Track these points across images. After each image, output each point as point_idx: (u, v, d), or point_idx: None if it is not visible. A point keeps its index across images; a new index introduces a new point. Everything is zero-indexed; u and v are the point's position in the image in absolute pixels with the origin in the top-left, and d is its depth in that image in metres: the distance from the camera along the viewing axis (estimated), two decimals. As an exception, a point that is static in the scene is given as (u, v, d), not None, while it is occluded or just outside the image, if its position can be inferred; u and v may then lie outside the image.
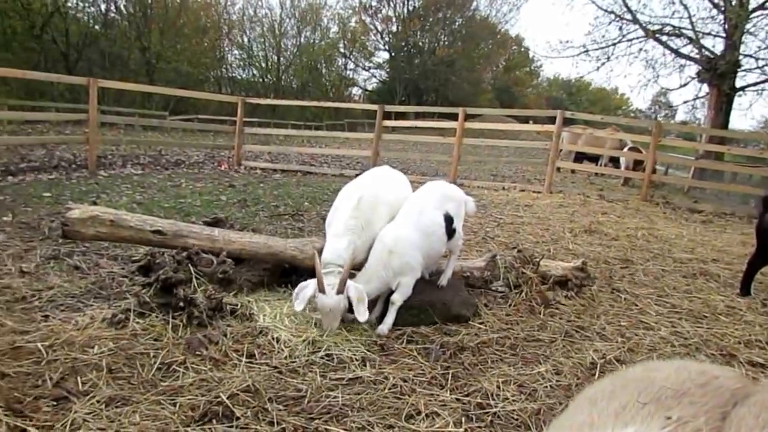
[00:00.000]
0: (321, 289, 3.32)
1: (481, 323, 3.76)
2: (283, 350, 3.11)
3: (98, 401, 2.42)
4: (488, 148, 24.07)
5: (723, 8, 17.58)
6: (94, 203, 6.40)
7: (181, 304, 3.28)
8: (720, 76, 17.26)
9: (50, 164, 9.94)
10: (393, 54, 51.08)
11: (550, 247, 6.11)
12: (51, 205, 6.39)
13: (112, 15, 34.31)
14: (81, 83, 10.64)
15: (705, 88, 18.93)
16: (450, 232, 3.86)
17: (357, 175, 5.74)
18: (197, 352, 2.96)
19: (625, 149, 14.84)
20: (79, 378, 2.58)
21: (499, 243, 6.21)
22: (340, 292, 3.32)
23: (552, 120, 11.74)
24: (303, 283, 3.47)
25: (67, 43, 29.56)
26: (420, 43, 50.73)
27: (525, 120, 28.94)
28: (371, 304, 3.60)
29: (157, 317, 3.27)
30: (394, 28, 50.17)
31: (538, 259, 4.54)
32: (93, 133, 9.97)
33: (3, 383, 2.45)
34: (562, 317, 3.98)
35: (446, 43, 50.89)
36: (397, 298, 3.56)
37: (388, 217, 3.83)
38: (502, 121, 22.00)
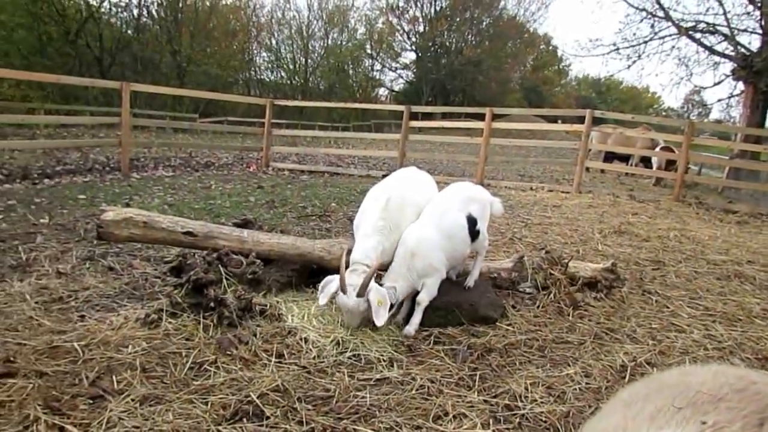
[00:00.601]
0: (342, 289, 3.34)
1: (508, 325, 3.74)
2: (311, 350, 3.14)
3: (133, 400, 2.48)
4: (516, 148, 23.91)
5: (759, 4, 17.14)
6: (128, 205, 6.55)
7: (212, 304, 3.34)
8: (756, 73, 16.82)
9: (85, 167, 10.19)
10: (420, 54, 51.04)
11: (579, 248, 6.04)
12: (86, 207, 6.55)
13: (144, 20, 35.10)
14: (114, 87, 10.88)
15: (740, 85, 18.50)
16: (474, 233, 3.85)
17: (384, 176, 5.75)
18: (228, 352, 3.01)
19: (657, 149, 14.58)
20: (114, 377, 2.65)
21: (527, 244, 6.17)
22: (360, 295, 3.31)
23: (581, 119, 11.60)
24: (329, 277, 3.49)
25: (100, 48, 30.28)
26: (447, 43, 50.60)
27: (553, 119, 28.63)
28: (398, 305, 3.61)
29: (188, 317, 3.33)
30: (421, 29, 50.18)
31: (566, 260, 4.49)
32: (126, 135, 10.19)
33: (41, 382, 2.53)
34: (591, 319, 3.93)
35: (473, 42, 50.69)
36: (423, 299, 3.56)
37: (415, 219, 3.83)
38: (530, 120, 21.75)
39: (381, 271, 3.74)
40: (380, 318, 3.29)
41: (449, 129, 17.21)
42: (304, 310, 3.64)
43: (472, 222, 3.81)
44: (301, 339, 3.25)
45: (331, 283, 3.45)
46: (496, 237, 6.34)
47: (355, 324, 3.42)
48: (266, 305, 3.59)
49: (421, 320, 3.57)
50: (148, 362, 2.82)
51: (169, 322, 3.27)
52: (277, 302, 3.73)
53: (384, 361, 3.11)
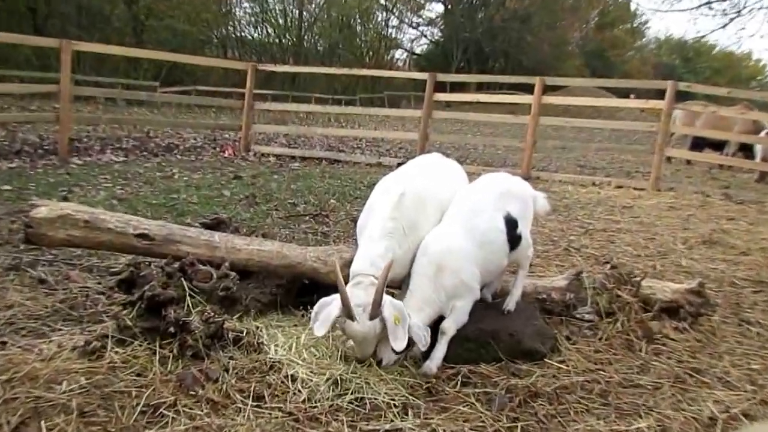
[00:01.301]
0: (349, 316, 3.28)
1: (560, 362, 3.71)
2: (300, 391, 3.12)
3: (66, 451, 2.48)
4: (575, 130, 23.82)
5: None
6: (65, 199, 6.60)
7: (172, 329, 3.33)
8: None
9: (11, 149, 10.28)
10: (449, 6, 51.01)
11: (656, 263, 6.01)
12: (12, 201, 6.61)
13: (91, -41, 35.25)
14: (52, 46, 10.99)
15: None
16: (514, 239, 3.82)
17: (399, 164, 5.74)
18: (191, 392, 3.01)
19: (762, 133, 14.47)
20: (43, 422, 2.65)
21: (587, 256, 6.14)
22: (374, 316, 3.27)
23: (661, 94, 11.54)
24: (325, 299, 3.43)
25: (34, -5, 30.46)
26: (485, -8, 50.52)
27: (624, 94, 28.52)
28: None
29: (140, 346, 3.33)
30: (452, -27, 50.16)
31: (638, 279, 4.46)
32: (65, 109, 10.26)
33: (-51, 425, 2.54)
34: (670, 356, 3.90)
35: (520, -9, 50.53)
36: (450, 326, 3.53)
37: (438, 220, 3.81)
38: (594, 94, 21.67)
39: (390, 287, 3.73)
40: (400, 341, 3.24)
41: (487, 104, 17.12)
42: (291, 339, 3.63)
43: (511, 224, 3.78)
44: (286, 376, 3.24)
45: (329, 306, 3.38)
46: (547, 246, 6.31)
47: (369, 352, 3.40)
48: (242, 331, 3.59)
49: (446, 354, 3.54)
50: (87, 404, 2.82)
51: (116, 352, 3.27)
52: (257, 328, 3.73)
53: (396, 406, 3.09)
